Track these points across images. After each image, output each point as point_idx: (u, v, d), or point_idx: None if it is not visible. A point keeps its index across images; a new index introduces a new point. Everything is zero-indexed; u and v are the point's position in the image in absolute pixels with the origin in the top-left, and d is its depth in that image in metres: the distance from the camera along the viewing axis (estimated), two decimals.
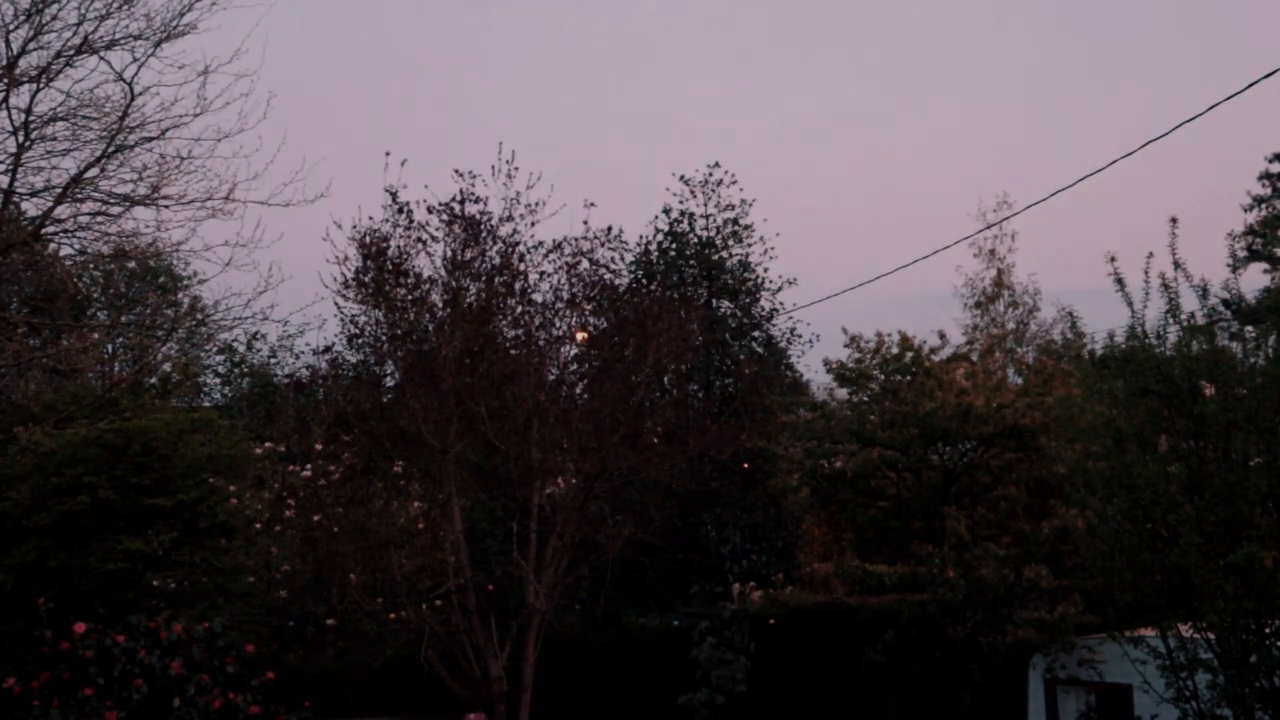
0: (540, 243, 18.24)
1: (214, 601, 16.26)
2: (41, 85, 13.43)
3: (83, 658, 13.13)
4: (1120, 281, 14.44)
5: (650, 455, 18.38)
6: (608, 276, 19.08)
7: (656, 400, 21.41)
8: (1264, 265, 29.07)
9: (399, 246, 17.54)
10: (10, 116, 13.47)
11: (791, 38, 63.17)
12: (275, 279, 13.88)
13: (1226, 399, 13.70)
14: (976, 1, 63.43)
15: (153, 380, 21.86)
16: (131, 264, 20.96)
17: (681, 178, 28.20)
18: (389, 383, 18.58)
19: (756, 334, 28.49)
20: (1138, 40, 62.16)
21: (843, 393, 25.98)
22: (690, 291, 27.23)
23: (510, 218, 17.81)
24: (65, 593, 13.94)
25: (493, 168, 17.79)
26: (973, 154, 61.92)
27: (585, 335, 18.90)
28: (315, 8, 71.21)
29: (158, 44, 13.57)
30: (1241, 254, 28.85)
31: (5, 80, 13.16)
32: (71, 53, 13.37)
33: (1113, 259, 14.38)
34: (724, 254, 27.95)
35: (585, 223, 18.66)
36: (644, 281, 26.30)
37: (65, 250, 15.84)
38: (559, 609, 19.04)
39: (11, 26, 13.20)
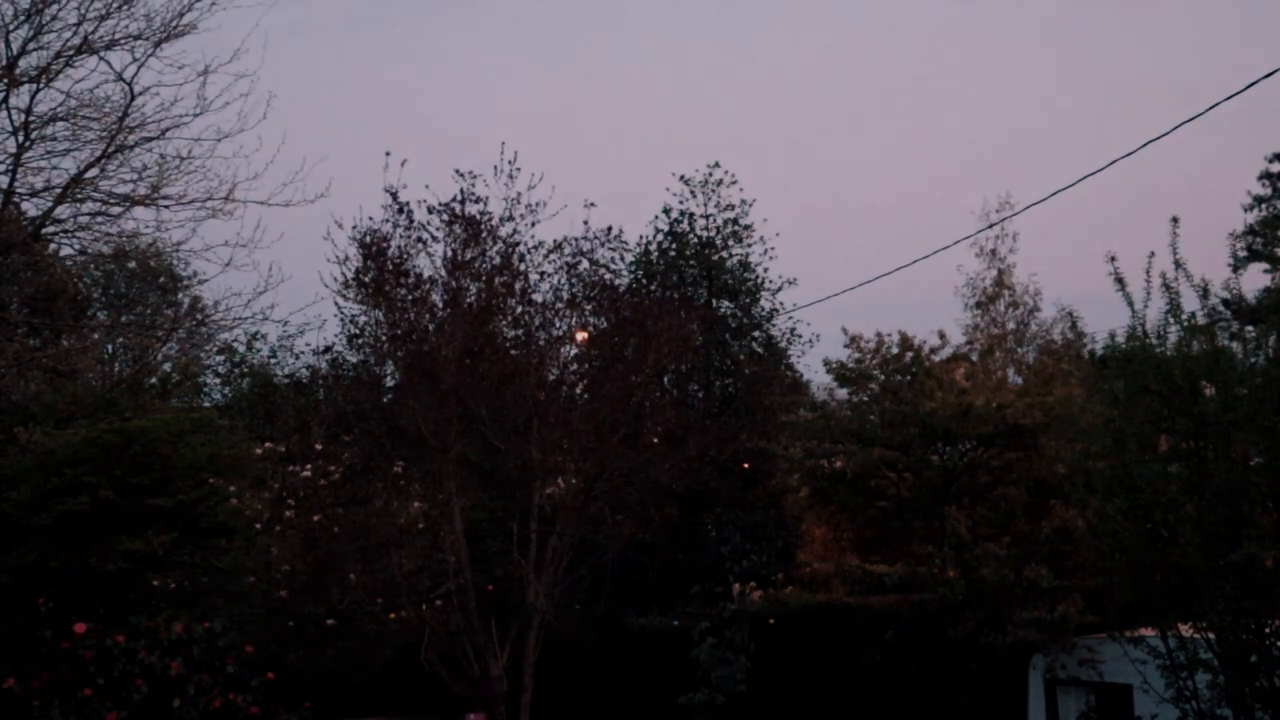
0: (540, 243, 18.28)
1: (214, 601, 16.22)
2: (41, 85, 13.41)
3: (83, 658, 13.10)
4: (1121, 281, 14.45)
5: (650, 455, 18.41)
6: (608, 276, 19.13)
7: (656, 400, 21.42)
8: (1264, 265, 29.02)
9: (399, 246, 17.57)
10: (10, 116, 13.45)
11: (791, 37, 63.22)
12: (275, 279, 13.87)
13: (1226, 399, 13.70)
14: (977, 2, 63.47)
15: (153, 380, 21.82)
16: (131, 264, 20.93)
17: (682, 178, 28.16)
18: (389, 383, 18.61)
19: (756, 334, 28.44)
20: (1138, 40, 62.21)
21: (843, 393, 26.00)
22: (690, 291, 27.18)
23: (511, 218, 17.84)
24: (65, 593, 13.90)
25: (494, 168, 17.84)
26: (974, 154, 61.91)
27: (585, 335, 18.91)
28: (316, 7, 71.27)
29: (158, 44, 13.55)
30: (1242, 254, 28.81)
31: (5, 80, 13.15)
32: (71, 53, 13.35)
33: (1113, 259, 14.41)
34: (724, 254, 27.91)
35: (585, 223, 18.65)
36: (644, 281, 26.28)
37: (65, 250, 15.85)
38: (559, 609, 19.02)
39: (11, 26, 13.18)
